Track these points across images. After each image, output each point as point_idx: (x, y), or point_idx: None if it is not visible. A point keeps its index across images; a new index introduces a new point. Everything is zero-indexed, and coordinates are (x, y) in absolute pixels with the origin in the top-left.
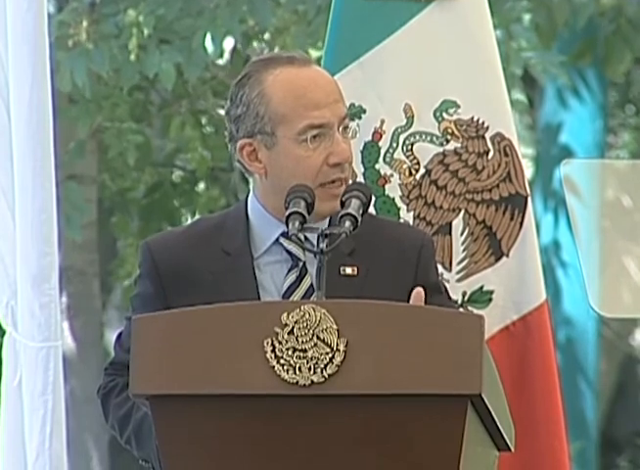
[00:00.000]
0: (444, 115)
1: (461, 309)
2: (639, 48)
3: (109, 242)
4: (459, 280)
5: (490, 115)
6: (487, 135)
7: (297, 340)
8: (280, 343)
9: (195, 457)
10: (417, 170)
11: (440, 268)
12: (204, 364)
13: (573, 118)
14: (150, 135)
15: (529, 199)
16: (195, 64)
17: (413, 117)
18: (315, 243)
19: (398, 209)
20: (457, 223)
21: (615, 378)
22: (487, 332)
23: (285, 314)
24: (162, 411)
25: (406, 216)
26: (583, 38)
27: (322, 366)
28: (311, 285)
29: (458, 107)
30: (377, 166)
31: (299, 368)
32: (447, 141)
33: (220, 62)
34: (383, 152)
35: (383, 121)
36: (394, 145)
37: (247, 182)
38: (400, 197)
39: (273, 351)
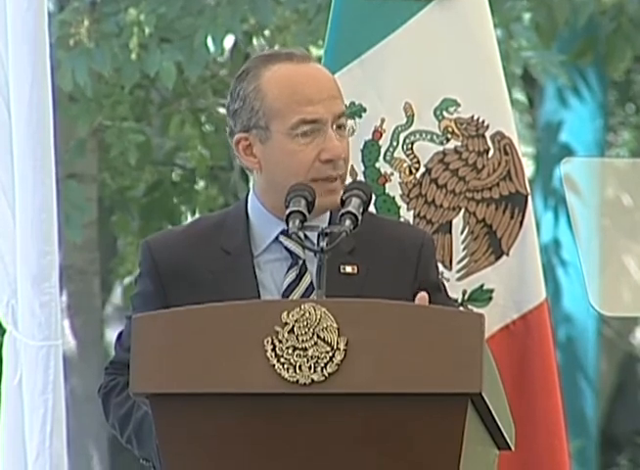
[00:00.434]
0: (444, 113)
1: (461, 308)
2: None
3: (109, 241)
4: (459, 279)
5: (490, 113)
6: (487, 134)
7: (297, 339)
8: (280, 342)
9: (195, 456)
10: (417, 169)
11: (441, 267)
12: (204, 363)
13: (574, 117)
14: (150, 134)
15: (530, 197)
16: (195, 62)
17: (413, 115)
18: (315, 241)
19: (398, 207)
20: (457, 222)
21: (615, 377)
22: (487, 331)
23: (285, 313)
24: (163, 410)
25: (406, 215)
26: (584, 37)
27: (322, 365)
28: (311, 283)
29: (458, 105)
30: (377, 165)
31: (300, 367)
32: (447, 140)
33: (221, 60)
34: (383, 150)
35: (383, 120)
36: (395, 144)
37: (246, 181)
38: (400, 195)
39: (273, 349)
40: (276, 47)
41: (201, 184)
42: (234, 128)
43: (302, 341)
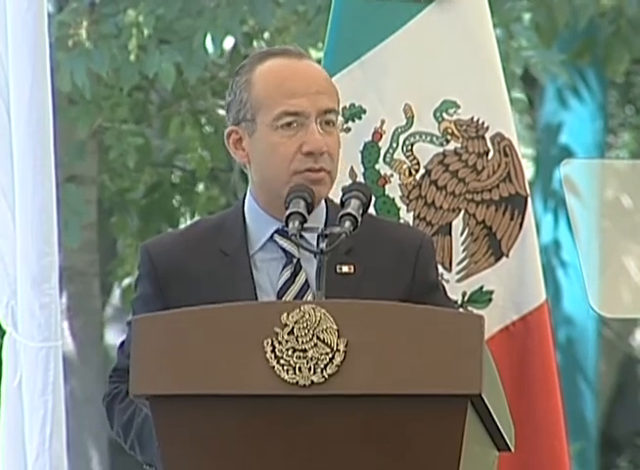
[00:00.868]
0: (444, 115)
1: (461, 310)
2: (639, 49)
3: (108, 242)
4: (459, 280)
5: (490, 115)
6: (487, 135)
7: (296, 340)
8: (280, 343)
9: (195, 457)
10: (417, 171)
11: (440, 268)
12: (204, 365)
13: (573, 118)
14: (149, 135)
15: (529, 199)
16: (195, 64)
17: (413, 117)
18: (312, 241)
19: (398, 209)
20: (457, 223)
21: (614, 378)
22: (487, 332)
23: (285, 315)
24: (163, 412)
25: (406, 217)
26: (583, 38)
27: (322, 366)
28: (306, 281)
29: (458, 107)
30: (377, 167)
31: (299, 368)
32: (447, 141)
33: (220, 61)
34: (383, 152)
35: (383, 122)
36: (394, 145)
37: (246, 181)
38: (400, 197)
39: (273, 351)
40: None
41: (201, 186)
42: (227, 122)
43: (302, 342)
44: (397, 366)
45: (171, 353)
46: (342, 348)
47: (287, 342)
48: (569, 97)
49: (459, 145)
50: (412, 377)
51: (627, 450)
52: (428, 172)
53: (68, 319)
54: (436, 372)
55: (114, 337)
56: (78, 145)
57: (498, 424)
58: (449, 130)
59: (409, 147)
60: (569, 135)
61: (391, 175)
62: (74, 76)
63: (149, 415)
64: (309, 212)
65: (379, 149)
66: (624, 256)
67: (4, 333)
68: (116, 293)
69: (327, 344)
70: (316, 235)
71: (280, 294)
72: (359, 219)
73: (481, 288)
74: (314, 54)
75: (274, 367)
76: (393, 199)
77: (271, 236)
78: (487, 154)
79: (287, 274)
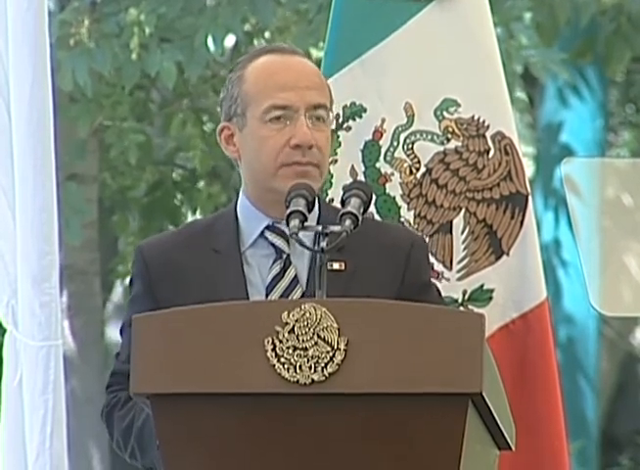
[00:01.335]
0: (445, 113)
1: (461, 308)
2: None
3: (109, 241)
4: (459, 279)
5: (491, 113)
6: (488, 134)
7: (297, 338)
8: (280, 341)
9: (195, 456)
10: (417, 169)
11: (441, 267)
12: (204, 363)
13: (574, 117)
14: (151, 134)
15: (530, 197)
16: (196, 62)
17: (414, 115)
18: (305, 240)
19: (399, 207)
20: (458, 222)
21: (615, 377)
22: (488, 330)
23: (285, 313)
24: (163, 410)
25: (407, 215)
26: (584, 37)
27: (322, 365)
28: (295, 277)
29: (459, 105)
30: (377, 165)
31: (300, 367)
32: (448, 140)
33: (221, 60)
34: (383, 151)
35: (383, 120)
36: (395, 144)
37: None
38: (401, 196)
39: (274, 349)
40: None
41: (202, 184)
42: (221, 119)
43: (303, 341)
44: (398, 365)
45: (172, 352)
46: (342, 346)
47: (287, 340)
48: (569, 96)
49: (460, 143)
50: (413, 376)
51: (628, 449)
52: (428, 171)
53: (69, 318)
54: (437, 371)
55: (114, 335)
56: (79, 143)
57: (499, 423)
58: (450, 129)
59: (410, 145)
60: (569, 134)
61: (392, 174)
62: (76, 75)
63: (149, 417)
64: (310, 211)
65: (379, 147)
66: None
67: (4, 332)
68: (118, 291)
69: (327, 342)
70: (312, 233)
71: (269, 289)
72: (360, 218)
73: (482, 286)
74: (315, 53)
75: (275, 366)
76: (394, 197)
77: (262, 232)
78: (488, 152)
79: (276, 269)
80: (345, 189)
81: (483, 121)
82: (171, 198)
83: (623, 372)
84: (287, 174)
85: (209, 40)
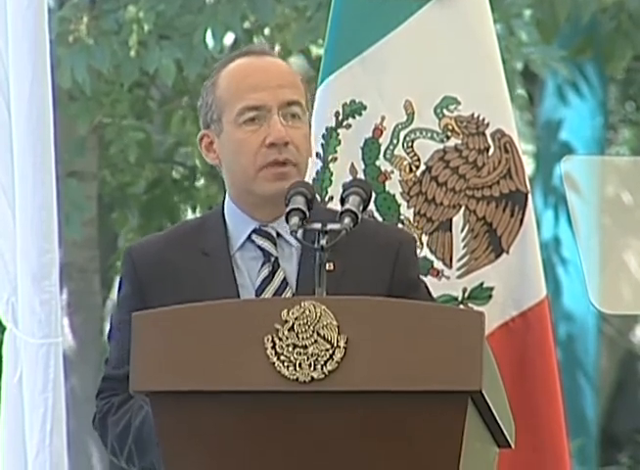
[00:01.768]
0: (445, 111)
1: (461, 306)
2: None
3: (109, 238)
4: (459, 277)
5: (491, 111)
6: (488, 132)
7: (297, 336)
8: (280, 339)
9: (195, 453)
10: (417, 167)
11: (441, 265)
12: (204, 361)
13: (574, 115)
14: (150, 131)
15: (530, 195)
16: (195, 60)
17: (413, 113)
18: (289, 239)
19: (399, 205)
20: (457, 220)
21: (615, 375)
22: (487, 328)
23: (285, 311)
24: (163, 408)
25: (406, 213)
26: (584, 34)
27: (322, 363)
28: (284, 279)
29: (458, 103)
30: (377, 163)
31: (300, 365)
32: (448, 138)
33: (220, 57)
34: (383, 148)
35: (383, 118)
36: (395, 141)
37: None
38: (401, 193)
39: (273, 347)
40: (276, 46)
41: (201, 181)
42: (201, 127)
43: (302, 338)
44: (398, 363)
45: (172, 350)
46: (342, 344)
47: (287, 338)
48: (569, 93)
49: (459, 141)
50: (412, 373)
51: (628, 447)
52: (428, 169)
53: (69, 316)
54: (437, 368)
55: None
56: (79, 141)
57: (498, 420)
58: (450, 127)
59: (409, 143)
60: (569, 132)
61: (392, 172)
62: (75, 72)
63: (148, 415)
64: (310, 209)
65: (379, 145)
66: (625, 252)
67: (4, 329)
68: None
69: (327, 340)
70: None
71: (258, 292)
72: (359, 216)
73: (482, 284)
74: (315, 50)
75: (274, 363)
76: (394, 195)
77: (249, 236)
78: (488, 150)
79: (265, 272)
80: (345, 187)
81: (483, 119)
82: (171, 195)
83: (623, 370)
84: (266, 177)
85: (209, 37)
